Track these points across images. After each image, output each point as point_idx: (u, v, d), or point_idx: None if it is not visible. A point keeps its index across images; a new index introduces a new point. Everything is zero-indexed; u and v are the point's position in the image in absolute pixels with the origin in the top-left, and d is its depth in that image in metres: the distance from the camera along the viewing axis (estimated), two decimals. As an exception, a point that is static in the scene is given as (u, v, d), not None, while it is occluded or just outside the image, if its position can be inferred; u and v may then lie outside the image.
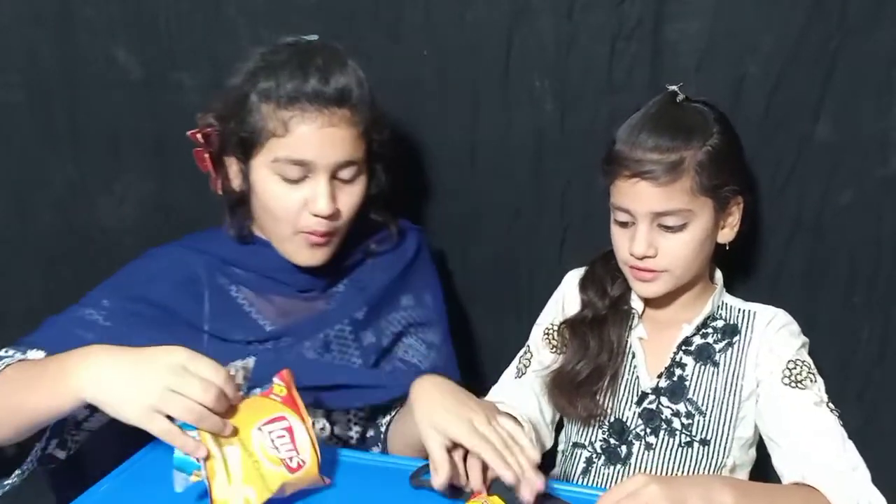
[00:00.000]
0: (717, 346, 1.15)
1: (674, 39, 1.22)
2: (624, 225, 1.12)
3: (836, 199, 1.24)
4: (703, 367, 1.14)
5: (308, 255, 1.11)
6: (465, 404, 0.93)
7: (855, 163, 1.22)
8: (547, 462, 1.25)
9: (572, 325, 1.19)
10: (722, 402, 1.12)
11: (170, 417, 0.84)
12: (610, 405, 1.17)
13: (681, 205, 1.07)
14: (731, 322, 1.16)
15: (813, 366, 1.10)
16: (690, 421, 1.13)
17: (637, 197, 1.07)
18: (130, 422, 0.85)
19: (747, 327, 1.15)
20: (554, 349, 1.22)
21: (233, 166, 1.11)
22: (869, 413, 1.30)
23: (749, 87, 1.21)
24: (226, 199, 1.15)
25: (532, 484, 0.86)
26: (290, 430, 0.89)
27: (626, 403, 1.16)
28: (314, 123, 1.04)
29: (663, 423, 1.14)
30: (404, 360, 1.19)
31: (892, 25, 1.15)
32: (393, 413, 1.17)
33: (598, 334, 1.17)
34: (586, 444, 1.19)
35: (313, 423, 0.92)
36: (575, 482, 1.19)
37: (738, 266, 1.26)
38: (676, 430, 1.13)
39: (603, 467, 1.17)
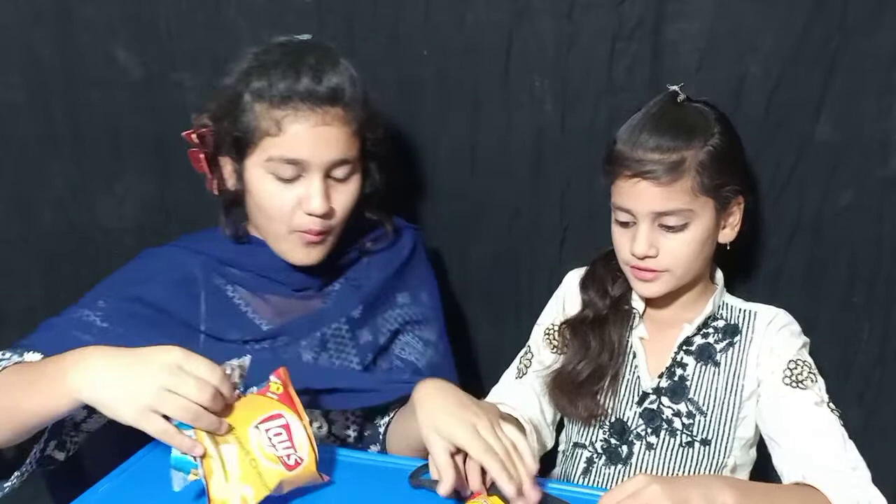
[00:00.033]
0: (718, 346, 1.15)
1: (674, 39, 1.22)
2: (625, 225, 1.11)
3: (837, 199, 1.24)
4: (703, 367, 1.14)
5: (303, 255, 1.11)
6: (469, 408, 0.93)
7: (855, 163, 1.22)
8: (547, 462, 1.25)
9: (573, 325, 1.19)
10: (723, 402, 1.12)
11: (166, 417, 0.84)
12: (611, 405, 1.16)
13: (682, 205, 1.06)
14: (732, 322, 1.16)
15: (814, 366, 1.10)
16: (691, 421, 1.13)
17: (638, 197, 1.07)
18: (127, 422, 0.84)
19: (748, 327, 1.15)
20: (555, 349, 1.21)
21: (227, 166, 1.11)
22: (869, 413, 1.31)
23: (749, 88, 1.21)
24: (221, 199, 1.15)
25: (529, 500, 0.87)
26: (287, 427, 0.89)
27: (626, 403, 1.16)
28: (307, 122, 1.04)
29: (664, 423, 1.14)
30: (401, 358, 1.19)
31: (893, 26, 1.15)
32: (392, 414, 1.16)
33: (599, 334, 1.17)
34: (587, 444, 1.19)
35: (311, 422, 0.92)
36: (576, 482, 1.18)
37: (738, 266, 1.26)
38: (677, 430, 1.13)
39: (604, 467, 1.17)
